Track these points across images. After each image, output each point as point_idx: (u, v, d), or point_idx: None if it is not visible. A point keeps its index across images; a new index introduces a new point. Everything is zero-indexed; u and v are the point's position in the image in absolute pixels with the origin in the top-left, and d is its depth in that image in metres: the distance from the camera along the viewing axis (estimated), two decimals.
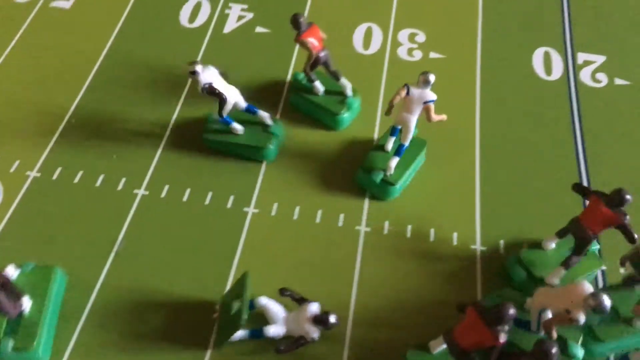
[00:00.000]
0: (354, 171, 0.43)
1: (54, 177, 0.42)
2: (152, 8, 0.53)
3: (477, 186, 0.43)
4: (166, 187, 0.42)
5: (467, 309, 0.31)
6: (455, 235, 0.40)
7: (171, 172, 0.43)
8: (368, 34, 0.52)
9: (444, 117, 0.40)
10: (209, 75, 0.40)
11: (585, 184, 0.43)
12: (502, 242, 0.40)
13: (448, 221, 0.41)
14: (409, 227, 0.40)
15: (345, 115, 0.45)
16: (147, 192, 0.41)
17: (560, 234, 0.37)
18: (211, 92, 0.40)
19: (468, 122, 0.47)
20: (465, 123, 0.47)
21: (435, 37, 0.52)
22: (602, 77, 0.50)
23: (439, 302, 0.37)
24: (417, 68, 0.49)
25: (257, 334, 0.34)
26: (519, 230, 0.40)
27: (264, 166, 0.43)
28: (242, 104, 0.42)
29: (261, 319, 0.35)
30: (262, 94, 0.47)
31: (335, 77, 0.44)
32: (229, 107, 0.41)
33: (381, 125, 0.46)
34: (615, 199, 0.34)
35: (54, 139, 0.44)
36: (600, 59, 0.51)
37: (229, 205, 0.41)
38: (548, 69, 0.50)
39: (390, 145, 0.42)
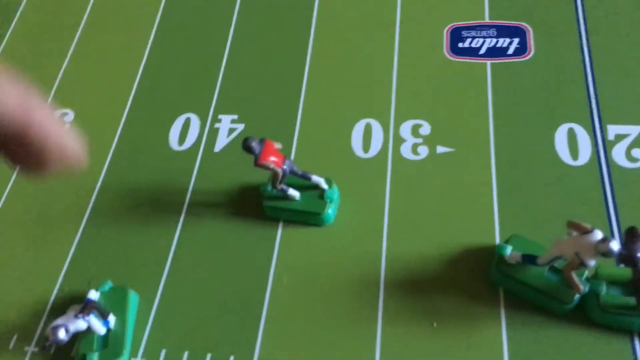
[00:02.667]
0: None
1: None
2: (140, 132, 0.51)
3: (502, 309, 0.38)
4: (163, 352, 0.40)
5: None
6: None
7: (167, 334, 0.40)
8: (367, 132, 0.48)
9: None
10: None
11: None
12: None
13: None
14: None
15: (330, 211, 0.43)
16: None
17: None
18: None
19: (486, 225, 0.42)
20: (483, 226, 0.42)
21: (441, 127, 0.47)
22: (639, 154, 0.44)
23: None
24: (423, 167, 0.45)
25: None
26: None
27: (263, 316, 0.40)
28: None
29: None
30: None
31: (306, 178, 0.42)
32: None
33: (389, 235, 0.42)
34: None
35: (48, 309, 0.43)
36: (635, 131, 0.45)
37: None
38: (574, 151, 0.44)
39: None
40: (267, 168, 0.40)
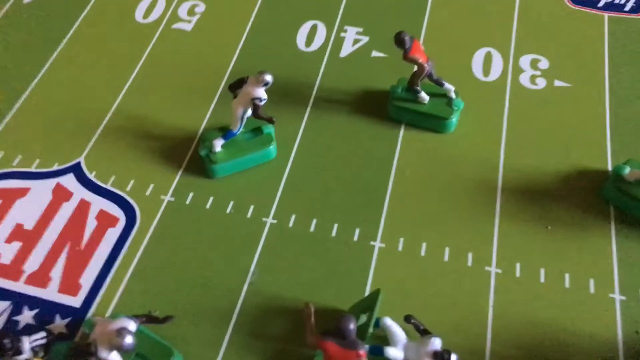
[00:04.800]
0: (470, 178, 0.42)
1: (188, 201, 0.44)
2: (269, 32, 0.54)
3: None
4: (293, 217, 0.42)
5: (321, 345, 0.31)
6: None
7: (296, 201, 0.43)
8: (487, 59, 0.51)
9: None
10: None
11: None
12: None
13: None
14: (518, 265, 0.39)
15: (454, 119, 0.46)
16: (275, 221, 0.42)
17: None
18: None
19: (598, 151, 0.45)
20: (595, 151, 0.45)
21: (559, 64, 0.50)
22: None
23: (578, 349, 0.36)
24: (541, 97, 0.48)
25: (376, 351, 0.34)
26: None
27: (387, 200, 0.43)
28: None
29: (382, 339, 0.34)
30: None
31: (439, 84, 0.45)
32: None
33: (506, 149, 0.45)
34: None
35: (185, 163, 0.46)
36: None
37: (356, 238, 0.41)
38: None
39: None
40: (414, 62, 0.43)
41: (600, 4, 0.54)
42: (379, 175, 0.44)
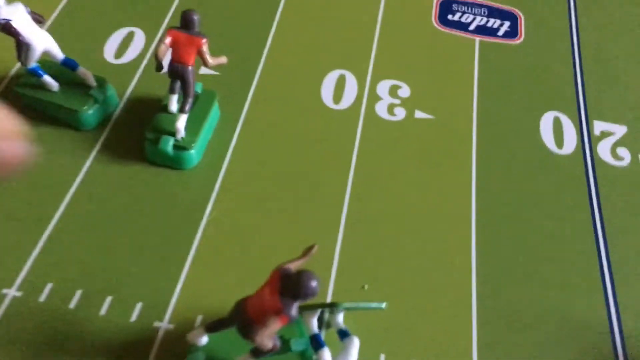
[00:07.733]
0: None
1: None
2: None
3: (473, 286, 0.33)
4: (48, 286, 0.30)
5: (273, 271, 0.25)
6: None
7: (59, 264, 0.31)
8: (340, 84, 0.42)
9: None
10: (13, 12, 0.32)
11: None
12: None
13: None
14: None
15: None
16: (19, 293, 0.30)
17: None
18: (6, 30, 0.32)
19: (462, 198, 0.37)
20: (458, 198, 0.37)
21: (421, 92, 0.42)
22: (624, 153, 0.41)
23: None
24: (399, 129, 0.40)
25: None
26: None
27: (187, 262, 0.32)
28: (58, 55, 0.35)
29: None
30: None
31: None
32: (34, 54, 0.34)
33: (353, 189, 0.36)
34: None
35: None
36: (620, 130, 0.42)
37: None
38: (559, 141, 0.41)
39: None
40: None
41: (472, 27, 0.47)
42: (182, 226, 0.34)
